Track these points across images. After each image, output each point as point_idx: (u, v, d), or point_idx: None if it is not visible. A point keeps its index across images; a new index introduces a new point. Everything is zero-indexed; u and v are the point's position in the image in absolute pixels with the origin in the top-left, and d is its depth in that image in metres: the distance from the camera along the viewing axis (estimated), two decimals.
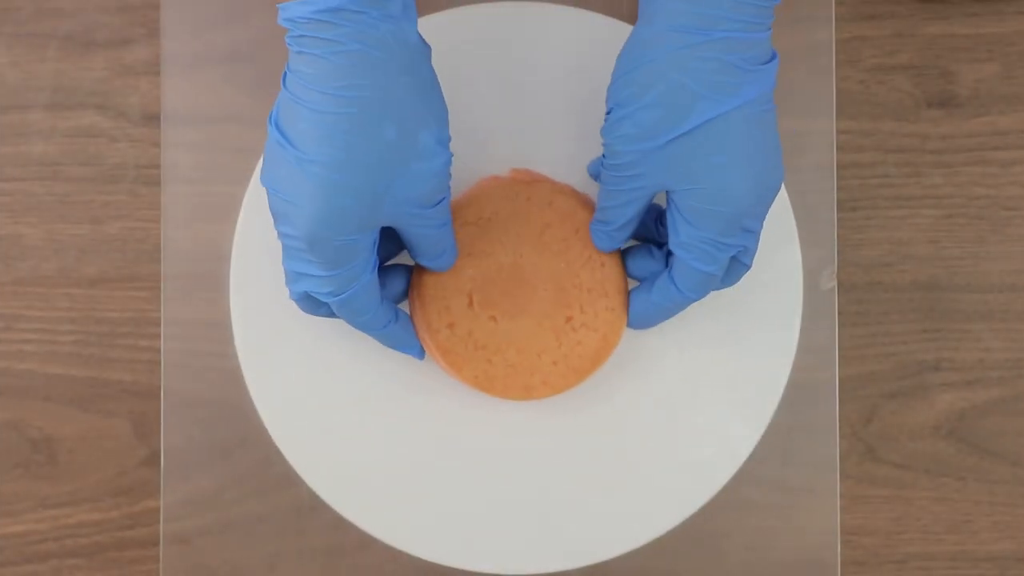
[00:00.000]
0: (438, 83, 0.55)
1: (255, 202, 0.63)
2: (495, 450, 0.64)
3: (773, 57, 0.54)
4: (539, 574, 0.63)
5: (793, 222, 0.64)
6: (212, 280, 0.65)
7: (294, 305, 0.59)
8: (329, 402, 0.63)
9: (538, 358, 0.62)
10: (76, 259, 0.67)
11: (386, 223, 0.55)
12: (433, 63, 0.55)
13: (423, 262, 0.59)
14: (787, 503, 0.65)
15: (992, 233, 0.67)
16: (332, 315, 0.59)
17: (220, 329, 0.65)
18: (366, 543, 0.64)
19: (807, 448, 0.65)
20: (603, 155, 0.57)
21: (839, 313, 0.66)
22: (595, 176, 0.61)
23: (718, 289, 0.60)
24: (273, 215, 0.55)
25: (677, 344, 0.64)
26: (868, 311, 0.67)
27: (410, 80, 0.53)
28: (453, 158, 0.56)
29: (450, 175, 0.56)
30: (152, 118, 0.67)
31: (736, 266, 0.59)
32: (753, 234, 0.57)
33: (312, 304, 0.58)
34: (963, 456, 0.67)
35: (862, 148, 0.67)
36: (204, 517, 0.65)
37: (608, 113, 0.56)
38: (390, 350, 0.61)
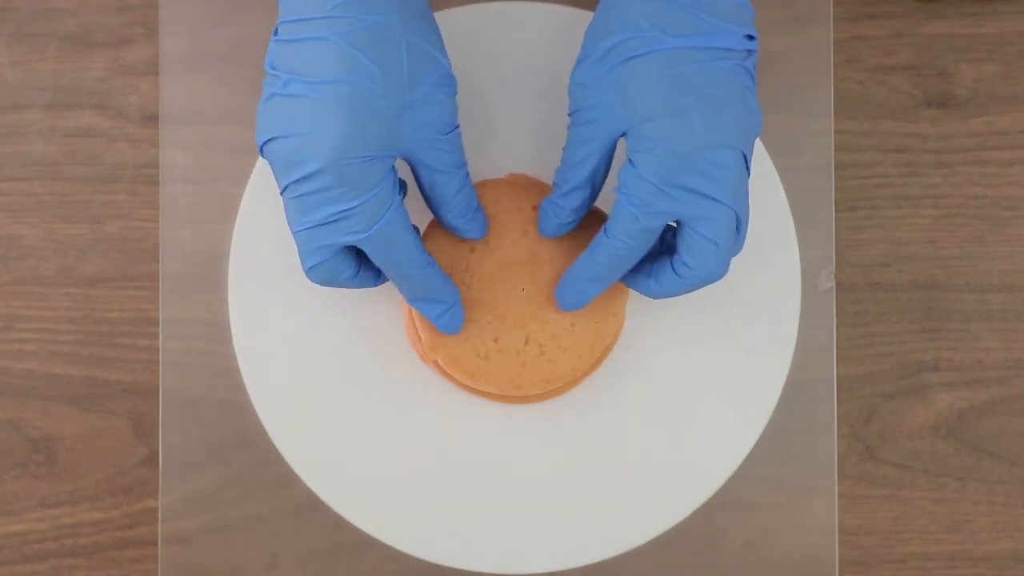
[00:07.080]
0: (432, 14, 0.56)
1: (254, 202, 0.63)
2: (494, 450, 0.64)
3: (752, 39, 0.55)
4: (538, 574, 0.63)
5: (791, 222, 0.64)
6: (211, 280, 0.65)
7: (293, 305, 0.58)
8: (328, 402, 0.63)
9: (535, 361, 0.62)
10: (76, 259, 0.67)
11: (403, 150, 0.55)
12: None
13: (449, 219, 0.59)
14: (786, 503, 0.65)
15: (991, 233, 0.67)
16: (353, 278, 0.57)
17: (219, 329, 0.65)
18: (365, 543, 0.64)
19: (806, 448, 0.65)
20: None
21: (837, 313, 0.66)
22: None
23: (690, 279, 0.56)
24: (281, 170, 0.54)
25: (675, 344, 0.64)
26: (867, 311, 0.67)
27: (412, 7, 0.54)
28: None
29: (456, 105, 0.56)
30: (151, 118, 0.67)
31: (701, 243, 0.55)
32: (709, 201, 0.54)
33: (334, 267, 0.56)
34: (962, 456, 0.67)
35: (861, 148, 0.67)
36: (203, 517, 0.65)
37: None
38: (390, 349, 0.61)
